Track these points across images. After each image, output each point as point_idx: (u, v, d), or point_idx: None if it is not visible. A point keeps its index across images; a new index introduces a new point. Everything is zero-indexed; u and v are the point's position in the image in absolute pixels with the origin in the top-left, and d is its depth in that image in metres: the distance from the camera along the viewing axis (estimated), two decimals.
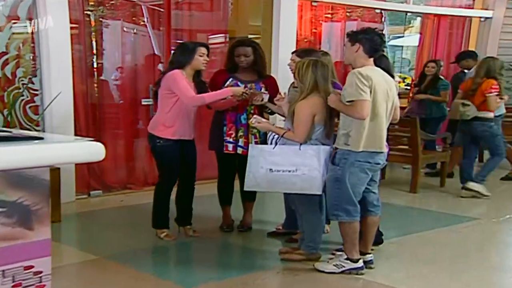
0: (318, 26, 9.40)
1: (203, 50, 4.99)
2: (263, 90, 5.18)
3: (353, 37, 4.21)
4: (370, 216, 4.48)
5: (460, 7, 11.49)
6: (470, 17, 11.48)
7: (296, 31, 8.63)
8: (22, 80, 6.19)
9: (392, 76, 4.51)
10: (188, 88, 4.88)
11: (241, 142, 5.23)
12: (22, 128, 6.12)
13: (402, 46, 14.37)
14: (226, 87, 5.17)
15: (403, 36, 12.17)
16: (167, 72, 5.00)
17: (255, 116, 4.84)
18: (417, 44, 11.66)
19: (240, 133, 5.23)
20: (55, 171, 5.68)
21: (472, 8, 11.61)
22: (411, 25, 12.82)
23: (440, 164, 7.75)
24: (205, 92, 5.01)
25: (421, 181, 7.49)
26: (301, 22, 9.04)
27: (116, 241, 5.20)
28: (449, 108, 8.12)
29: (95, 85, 6.92)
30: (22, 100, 6.21)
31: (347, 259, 4.37)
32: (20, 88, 6.17)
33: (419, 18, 11.85)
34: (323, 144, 4.37)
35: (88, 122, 6.81)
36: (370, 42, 4.15)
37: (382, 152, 4.26)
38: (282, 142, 4.42)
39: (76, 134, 6.50)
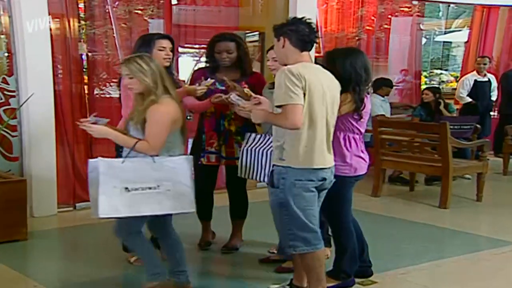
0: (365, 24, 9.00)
1: (163, 43, 4.26)
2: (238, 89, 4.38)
3: (277, 31, 3.57)
4: None
5: None
6: None
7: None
8: None
9: (365, 78, 3.80)
10: None
11: (223, 151, 4.59)
12: None
13: (450, 42, 13.43)
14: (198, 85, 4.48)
15: (444, 32, 11.22)
16: None
17: None
18: (465, 39, 10.68)
19: (221, 142, 4.57)
20: (21, 183, 5.10)
21: None
22: (466, 18, 11.89)
23: (477, 176, 6.77)
24: None
25: (452, 195, 6.53)
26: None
27: (78, 268, 4.52)
28: None
29: (86, 85, 6.31)
30: None
31: None
32: None
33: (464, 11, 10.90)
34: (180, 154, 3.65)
35: (76, 125, 6.15)
36: (296, 33, 3.48)
37: (325, 168, 3.51)
38: (133, 154, 3.57)
39: (60, 139, 5.99)
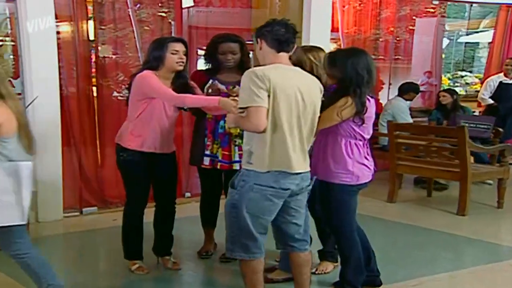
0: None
1: (177, 46, 4.13)
2: None
3: (255, 34, 3.48)
4: (294, 252, 3.57)
5: None
6: None
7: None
8: None
9: (367, 80, 3.61)
10: (163, 86, 4.07)
11: (218, 154, 4.43)
12: None
13: (475, 43, 13.15)
14: (207, 90, 4.39)
15: (466, 33, 10.95)
16: (137, 74, 4.21)
17: None
18: (490, 40, 10.40)
19: (216, 144, 4.44)
20: None
21: None
22: (492, 19, 11.61)
23: (497, 181, 6.50)
24: None
25: (471, 200, 6.25)
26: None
27: (77, 276, 4.39)
28: None
29: (94, 87, 6.20)
30: None
31: None
32: None
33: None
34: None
35: (84, 129, 6.09)
36: (271, 34, 3.38)
37: (292, 174, 3.32)
38: None
39: (67, 143, 5.89)
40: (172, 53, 4.12)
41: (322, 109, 3.52)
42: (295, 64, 3.97)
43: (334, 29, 8.41)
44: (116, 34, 6.28)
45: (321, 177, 3.75)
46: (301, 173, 3.36)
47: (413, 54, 9.28)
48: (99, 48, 6.28)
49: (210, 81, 4.41)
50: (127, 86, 4.46)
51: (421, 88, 8.96)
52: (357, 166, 3.67)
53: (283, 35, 3.36)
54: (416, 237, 5.44)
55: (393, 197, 6.61)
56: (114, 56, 6.33)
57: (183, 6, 6.84)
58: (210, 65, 4.51)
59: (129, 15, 6.28)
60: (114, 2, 6.21)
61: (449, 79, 11.71)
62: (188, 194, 6.62)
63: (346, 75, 3.60)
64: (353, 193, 3.75)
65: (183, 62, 4.16)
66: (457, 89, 9.44)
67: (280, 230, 3.52)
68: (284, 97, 3.24)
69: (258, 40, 3.42)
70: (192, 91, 4.25)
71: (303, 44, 6.47)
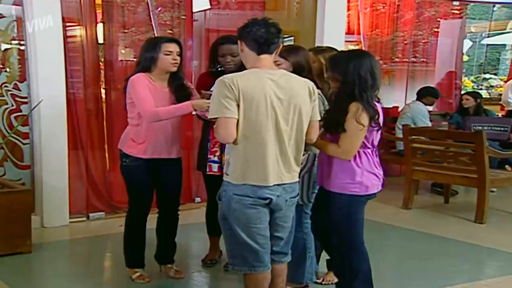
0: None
1: (170, 46, 4.01)
2: None
3: (237, 35, 3.25)
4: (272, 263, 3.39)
5: None
6: None
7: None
8: (6, 86, 5.47)
9: (371, 84, 3.39)
10: (146, 98, 3.92)
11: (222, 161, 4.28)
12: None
13: (502, 45, 12.90)
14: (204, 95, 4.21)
15: (488, 35, 10.71)
16: (130, 77, 4.09)
17: None
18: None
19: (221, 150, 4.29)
20: (25, 193, 4.91)
21: None
22: None
23: None
24: (187, 99, 4.02)
25: (490, 208, 6.03)
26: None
27: (77, 284, 4.27)
28: None
29: (103, 90, 6.11)
30: (6, 108, 5.48)
31: None
32: (3, 96, 5.45)
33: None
34: None
35: (92, 133, 5.99)
36: (249, 34, 3.16)
37: (269, 186, 3.12)
38: None
39: (74, 146, 5.81)
40: (166, 54, 4.00)
41: (326, 115, 3.35)
42: (294, 68, 3.81)
43: (355, 32, 8.29)
44: (137, 38, 6.21)
45: (327, 187, 3.57)
46: (283, 184, 3.16)
47: (437, 56, 9.08)
48: (122, 51, 6.23)
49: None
50: (123, 89, 4.30)
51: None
52: (366, 175, 3.45)
53: (261, 36, 3.13)
54: (431, 246, 5.25)
55: (408, 204, 6.42)
56: (136, 60, 6.26)
57: (197, 9, 6.76)
58: (214, 68, 4.36)
59: (150, 18, 6.23)
60: (135, 5, 6.16)
61: (472, 81, 11.46)
62: (198, 199, 6.53)
63: (348, 78, 3.39)
64: (361, 204, 3.53)
65: (177, 63, 4.04)
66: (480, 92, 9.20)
67: None
68: (256, 104, 3.04)
69: (239, 42, 3.23)
70: (188, 92, 4.13)
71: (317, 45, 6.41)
